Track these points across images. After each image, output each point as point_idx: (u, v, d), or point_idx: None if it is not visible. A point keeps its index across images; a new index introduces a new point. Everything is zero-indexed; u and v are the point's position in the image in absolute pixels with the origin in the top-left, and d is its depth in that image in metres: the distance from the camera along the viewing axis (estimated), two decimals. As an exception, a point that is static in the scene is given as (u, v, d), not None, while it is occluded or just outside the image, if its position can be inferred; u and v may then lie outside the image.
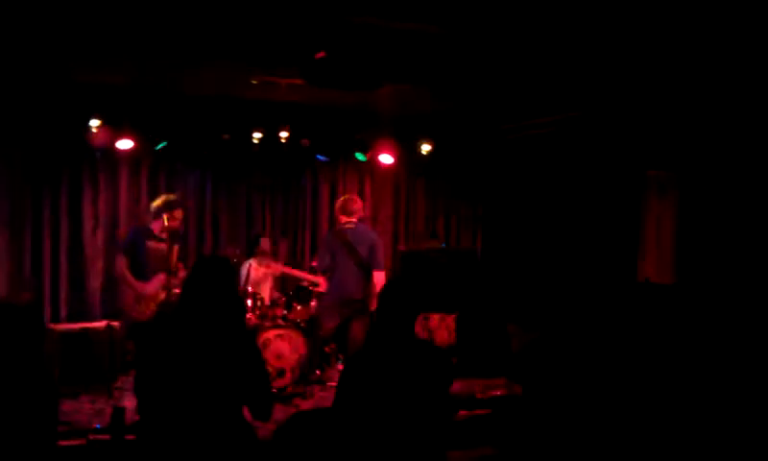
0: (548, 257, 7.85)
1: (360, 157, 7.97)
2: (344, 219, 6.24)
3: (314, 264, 6.68)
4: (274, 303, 6.78)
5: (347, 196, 6.58)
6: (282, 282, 7.60)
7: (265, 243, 7.35)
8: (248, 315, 6.38)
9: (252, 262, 7.23)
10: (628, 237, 7.05)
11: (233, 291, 3.12)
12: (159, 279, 5.98)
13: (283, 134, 7.36)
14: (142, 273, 6.03)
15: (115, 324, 6.27)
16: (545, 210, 8.06)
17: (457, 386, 6.41)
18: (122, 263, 6.09)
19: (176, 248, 6.11)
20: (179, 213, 6.11)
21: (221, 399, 2.94)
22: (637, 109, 6.42)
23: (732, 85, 5.52)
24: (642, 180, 7.07)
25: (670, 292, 6.19)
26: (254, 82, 6.24)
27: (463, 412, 5.40)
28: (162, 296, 5.91)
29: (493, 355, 7.64)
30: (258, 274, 7.17)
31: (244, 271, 7.07)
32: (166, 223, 5.97)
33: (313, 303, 6.92)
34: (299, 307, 6.82)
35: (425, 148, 7.96)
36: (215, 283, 3.03)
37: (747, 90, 5.53)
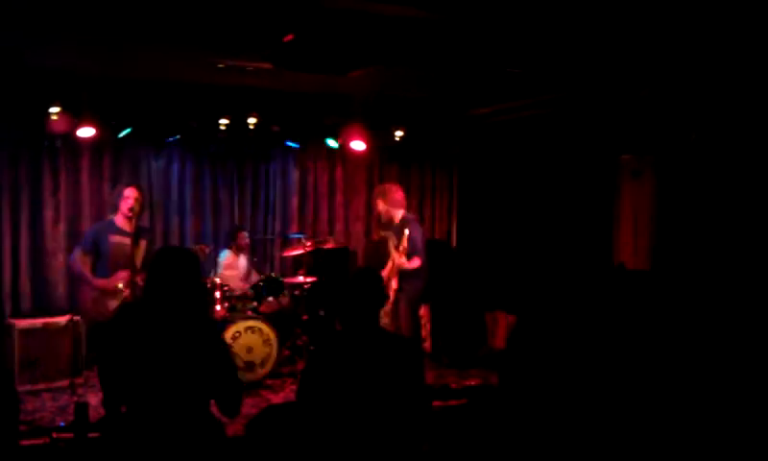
0: (524, 244, 7.92)
1: (331, 143, 7.94)
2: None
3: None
4: (244, 295, 6.75)
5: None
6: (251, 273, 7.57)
7: (243, 237, 7.30)
8: (217, 307, 6.35)
9: (227, 253, 7.20)
10: (603, 223, 7.13)
11: (195, 283, 3.08)
12: (120, 275, 5.82)
13: (251, 121, 7.31)
14: (105, 270, 5.88)
15: (78, 318, 6.18)
16: (520, 196, 8.12)
17: (430, 376, 6.50)
18: (78, 258, 5.93)
19: (143, 243, 5.98)
20: (130, 192, 5.88)
21: (186, 394, 2.93)
22: (611, 91, 6.47)
23: (706, 67, 5.59)
24: (616, 164, 7.14)
25: (645, 278, 6.28)
26: (221, 66, 6.18)
27: (437, 403, 5.44)
28: (126, 293, 5.73)
29: (469, 344, 7.72)
30: (229, 265, 7.14)
31: (221, 261, 7.06)
32: (124, 209, 5.85)
33: (284, 294, 6.91)
34: (270, 299, 6.81)
35: (398, 134, 7.95)
36: (176, 275, 3.00)
37: (723, 72, 5.60)
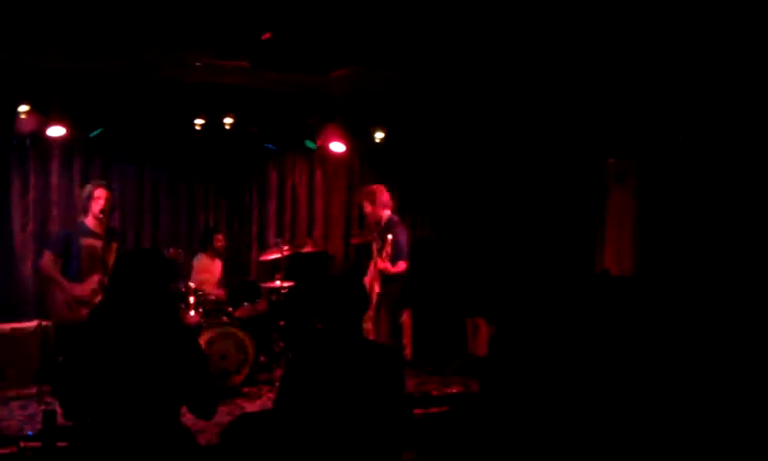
0: (506, 248, 7.95)
1: (310, 144, 7.93)
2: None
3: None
4: (219, 300, 6.72)
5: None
6: (227, 278, 7.54)
7: (219, 239, 7.27)
8: (191, 313, 6.31)
9: (202, 257, 7.16)
10: (587, 228, 7.18)
11: (162, 286, 3.05)
12: (93, 280, 5.77)
13: (228, 121, 7.27)
14: (76, 273, 5.82)
15: (47, 323, 6.11)
16: (504, 200, 8.16)
17: (411, 384, 6.50)
18: (49, 261, 5.86)
19: (114, 245, 5.94)
20: (99, 192, 5.82)
21: (155, 401, 2.90)
22: (598, 92, 6.52)
23: (694, 69, 5.65)
24: (602, 168, 7.20)
25: (629, 284, 6.33)
26: (197, 64, 6.15)
27: (417, 410, 5.44)
28: (98, 299, 5.64)
29: (450, 351, 7.74)
30: (204, 269, 7.11)
31: (195, 264, 7.02)
32: (95, 210, 5.81)
33: (260, 300, 6.89)
34: (245, 305, 6.78)
35: (379, 135, 7.96)
36: (141, 278, 2.97)
37: (710, 74, 5.67)
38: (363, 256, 7.47)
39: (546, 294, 6.42)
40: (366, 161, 8.66)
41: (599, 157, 7.25)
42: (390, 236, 5.97)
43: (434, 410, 5.24)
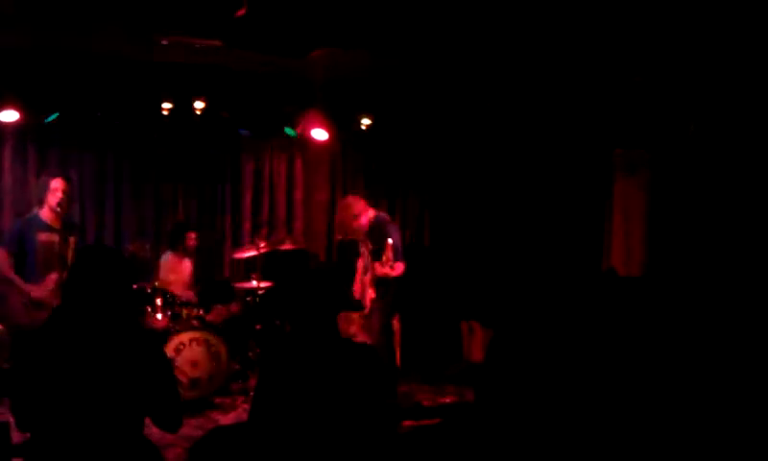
0: (505, 246, 7.93)
1: (290, 132, 7.88)
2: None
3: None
4: (189, 302, 6.66)
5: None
6: (199, 278, 7.49)
7: (191, 238, 7.20)
8: (158, 316, 6.25)
9: (170, 255, 7.11)
10: (592, 223, 7.18)
11: (122, 287, 3.01)
12: (51, 278, 5.72)
13: (198, 105, 7.21)
14: (33, 271, 5.77)
15: (1, 328, 6.03)
16: (502, 192, 8.14)
17: (400, 393, 6.49)
18: (2, 260, 5.81)
19: (72, 240, 5.90)
20: (57, 183, 5.81)
21: (116, 413, 2.86)
22: (603, 76, 6.50)
23: (707, 51, 5.64)
24: (608, 159, 7.19)
25: (637, 285, 6.32)
26: (164, 42, 6.09)
27: (407, 422, 5.41)
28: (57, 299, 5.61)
29: (443, 357, 7.72)
30: (173, 269, 7.05)
31: (162, 263, 6.97)
32: (52, 202, 5.76)
33: (234, 302, 6.84)
34: (218, 307, 6.73)
35: (365, 122, 7.92)
36: (99, 278, 2.93)
37: (725, 57, 5.65)
38: (348, 255, 7.42)
39: (548, 295, 6.39)
40: (351, 150, 8.62)
41: (605, 148, 7.25)
42: (390, 240, 5.96)
43: (425, 422, 5.22)
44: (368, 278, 6.21)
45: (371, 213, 6.31)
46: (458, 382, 7.10)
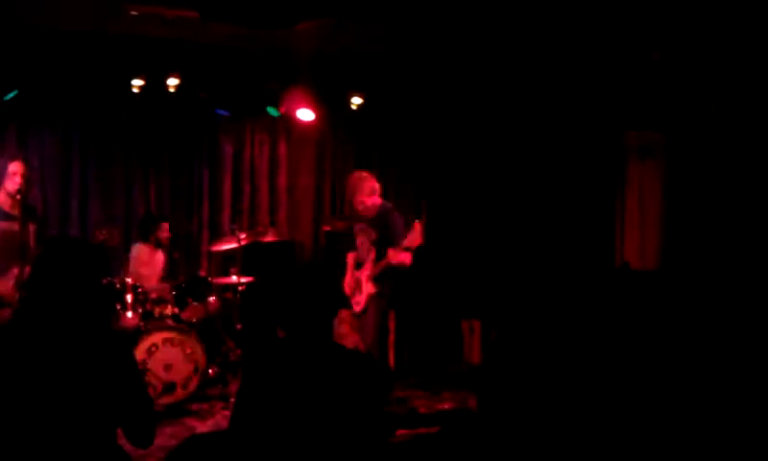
0: (509, 238, 7.97)
1: (272, 111, 7.91)
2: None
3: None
4: (162, 298, 6.69)
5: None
6: (173, 272, 7.52)
7: (164, 229, 7.21)
8: (128, 314, 6.29)
9: (142, 247, 7.12)
10: (603, 213, 7.22)
11: (91, 283, 3.02)
12: (13, 272, 5.74)
13: (172, 82, 7.23)
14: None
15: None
16: (505, 179, 8.17)
17: (394, 398, 6.52)
18: None
19: (32, 228, 5.92)
20: (15, 166, 5.84)
21: (85, 423, 2.87)
22: (615, 52, 6.53)
23: (730, 24, 5.67)
24: (620, 142, 7.22)
25: (653, 280, 6.39)
26: (134, 12, 6.10)
27: (402, 431, 5.45)
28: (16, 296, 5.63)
29: (442, 359, 7.77)
30: (144, 262, 7.08)
31: (133, 256, 6.97)
32: (10, 188, 5.77)
33: (212, 299, 6.87)
34: (194, 304, 6.76)
35: (355, 101, 7.94)
36: (64, 274, 2.93)
37: (749, 31, 5.69)
38: (336, 247, 7.45)
39: (556, 291, 6.47)
40: (340, 132, 8.64)
41: (617, 129, 7.27)
42: (417, 226, 6.00)
43: (422, 431, 5.26)
44: (366, 272, 6.27)
45: (377, 199, 6.38)
46: (458, 386, 7.14)
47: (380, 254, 6.23)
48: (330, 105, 7.97)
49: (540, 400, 2.75)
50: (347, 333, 6.71)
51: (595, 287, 6.48)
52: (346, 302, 6.35)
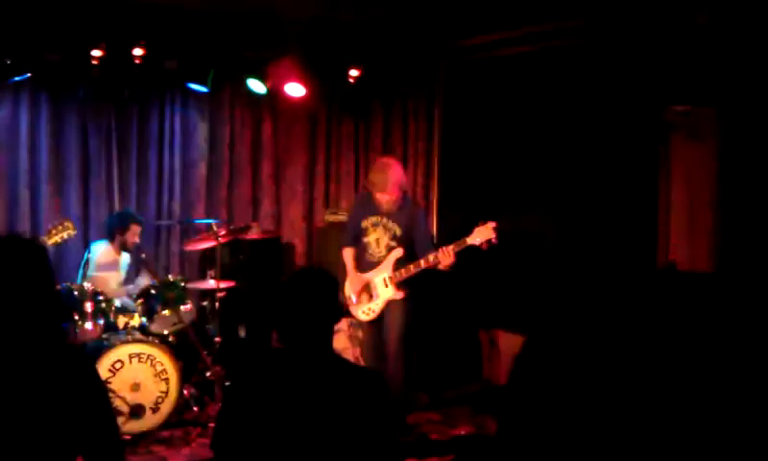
0: (534, 235, 7.96)
1: (256, 86, 7.89)
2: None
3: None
4: (127, 306, 6.68)
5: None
6: (138, 275, 7.51)
7: (135, 232, 7.16)
8: (87, 325, 6.28)
9: (103, 247, 7.12)
10: (644, 204, 7.18)
11: (43, 289, 3.01)
12: None
13: (137, 52, 7.23)
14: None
15: None
16: (529, 166, 8.16)
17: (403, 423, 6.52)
18: None
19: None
20: None
21: (37, 456, 2.87)
22: (656, 15, 6.50)
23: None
24: (662, 119, 7.19)
25: (705, 283, 6.36)
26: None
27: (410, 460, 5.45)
28: None
29: (457, 376, 7.76)
30: (106, 264, 7.08)
31: (93, 257, 6.96)
32: None
33: (186, 307, 6.86)
34: (166, 314, 6.75)
35: (353, 74, 7.93)
36: (13, 280, 2.92)
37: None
38: (331, 245, 7.45)
39: (591, 297, 6.45)
40: (336, 110, 8.64)
41: (658, 104, 7.23)
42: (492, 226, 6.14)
43: (434, 460, 5.26)
44: (385, 274, 6.33)
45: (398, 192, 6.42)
46: (475, 408, 7.14)
47: (412, 254, 6.32)
48: (324, 78, 7.96)
49: (570, 426, 2.73)
50: (345, 348, 6.73)
51: (635, 291, 6.46)
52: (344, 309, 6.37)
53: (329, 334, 3.21)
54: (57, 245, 6.56)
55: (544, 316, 7.01)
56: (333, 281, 3.35)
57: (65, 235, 6.53)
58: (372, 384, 3.21)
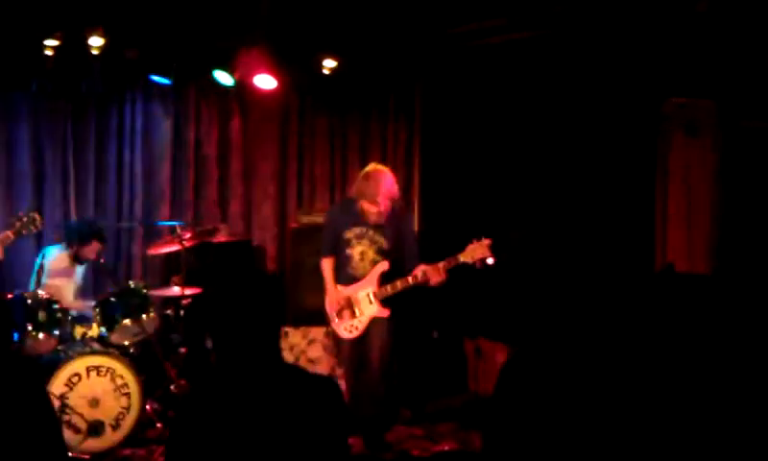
0: (523, 236, 7.97)
1: (223, 78, 7.88)
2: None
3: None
4: (84, 316, 6.65)
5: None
6: (96, 282, 7.48)
7: (94, 248, 7.09)
8: (40, 336, 6.24)
9: (58, 254, 7.08)
10: (640, 202, 7.21)
11: None
12: None
13: (95, 42, 7.19)
14: None
15: None
16: (517, 162, 8.17)
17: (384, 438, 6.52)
18: None
19: None
20: None
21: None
22: (651, 3, 6.54)
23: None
24: (659, 112, 7.22)
25: (704, 285, 6.38)
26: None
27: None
28: None
29: (440, 388, 7.76)
30: (61, 271, 7.04)
31: (47, 263, 6.93)
32: None
33: (148, 316, 6.83)
34: (125, 323, 6.71)
35: (328, 65, 7.92)
36: None
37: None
38: (305, 248, 7.43)
39: (583, 301, 6.46)
40: (310, 104, 8.64)
41: (657, 97, 7.27)
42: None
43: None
44: (370, 289, 6.30)
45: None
46: (460, 423, 7.15)
47: (400, 270, 6.30)
48: (297, 69, 7.95)
49: (564, 440, 2.71)
50: (320, 357, 6.71)
51: (631, 294, 6.46)
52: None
53: (276, 340, 3.20)
54: (19, 237, 6.48)
55: (532, 324, 7.03)
56: (278, 284, 3.35)
57: (32, 229, 6.48)
58: (323, 390, 3.21)
